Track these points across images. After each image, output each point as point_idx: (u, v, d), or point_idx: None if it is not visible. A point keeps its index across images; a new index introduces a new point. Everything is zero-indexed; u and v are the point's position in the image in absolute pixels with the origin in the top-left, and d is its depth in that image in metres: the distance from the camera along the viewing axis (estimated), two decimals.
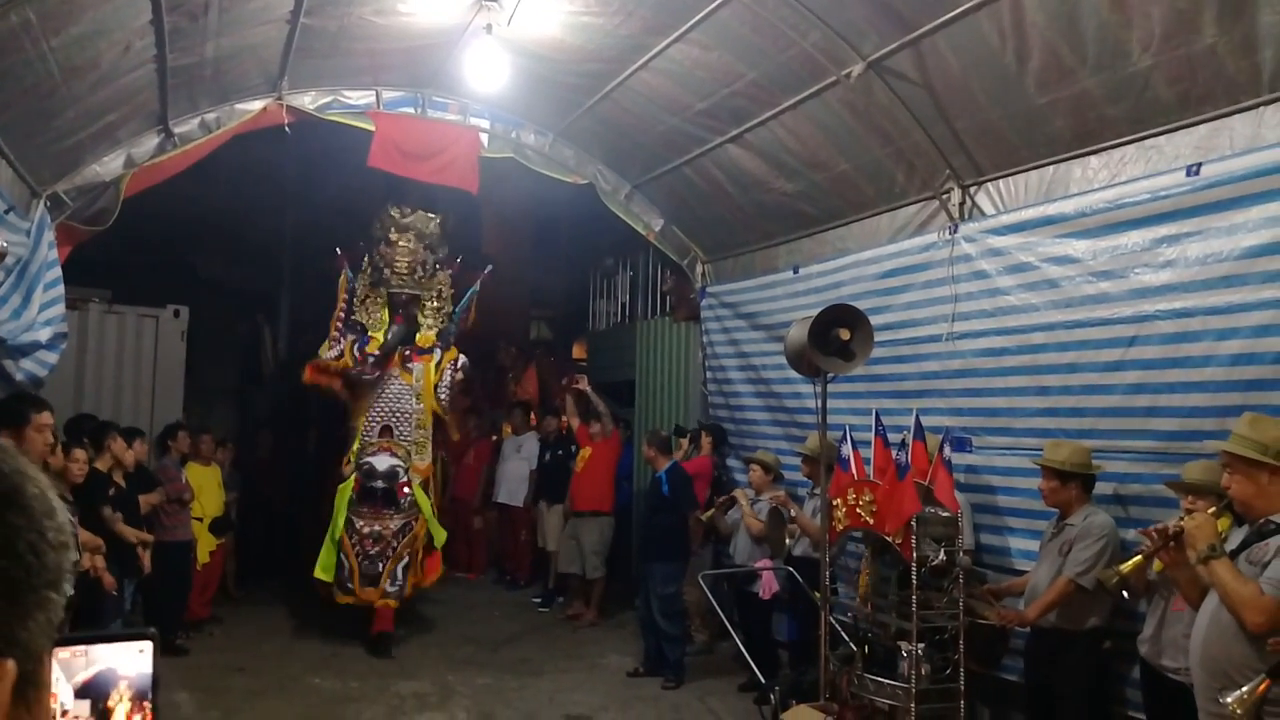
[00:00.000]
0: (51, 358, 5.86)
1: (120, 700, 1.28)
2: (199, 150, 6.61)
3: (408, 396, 7.80)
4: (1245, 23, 3.82)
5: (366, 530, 7.36)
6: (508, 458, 10.06)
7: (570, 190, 8.19)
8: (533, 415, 10.51)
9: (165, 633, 6.54)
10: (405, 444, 7.70)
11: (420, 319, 8.02)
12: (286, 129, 6.86)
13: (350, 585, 7.29)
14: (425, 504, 7.68)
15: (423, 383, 7.81)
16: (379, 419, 7.71)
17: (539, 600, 9.29)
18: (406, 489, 7.53)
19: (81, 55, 4.88)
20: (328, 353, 7.70)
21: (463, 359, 8.02)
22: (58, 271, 5.93)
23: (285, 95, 6.78)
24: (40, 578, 0.84)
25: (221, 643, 7.56)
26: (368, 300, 7.90)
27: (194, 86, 6.19)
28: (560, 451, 9.29)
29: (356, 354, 7.60)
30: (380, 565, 7.31)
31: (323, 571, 7.40)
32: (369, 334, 7.76)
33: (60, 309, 5.95)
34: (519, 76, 6.51)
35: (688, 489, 7.15)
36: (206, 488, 7.97)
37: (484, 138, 7.62)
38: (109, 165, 6.30)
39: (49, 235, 5.87)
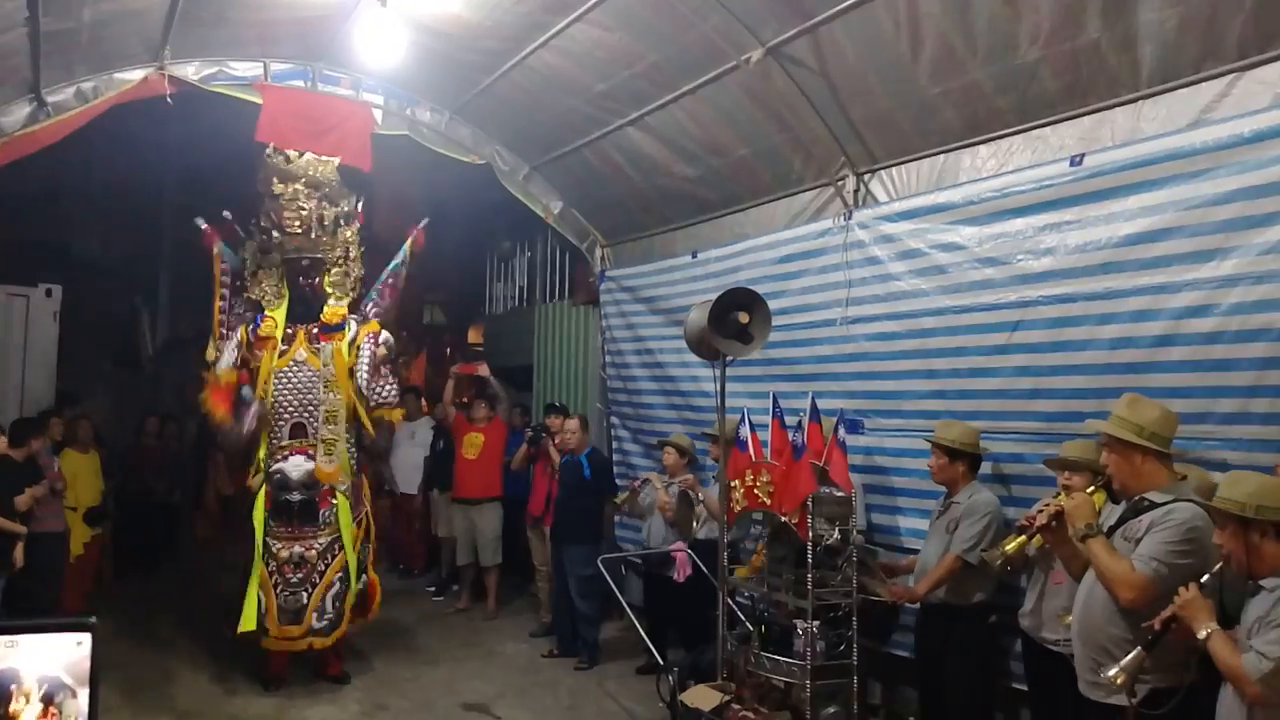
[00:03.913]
0: None
1: (26, 702, 1.13)
2: (74, 121, 6.25)
3: (316, 385, 6.37)
4: (1127, 19, 3.98)
5: (285, 554, 6.11)
6: (400, 444, 9.79)
7: (467, 170, 8.03)
8: (424, 402, 10.25)
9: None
10: (315, 443, 6.33)
11: (325, 289, 6.57)
12: (169, 100, 6.53)
13: (267, 625, 6.01)
14: (347, 522, 6.32)
15: (333, 367, 6.37)
16: (288, 415, 6.30)
17: (433, 590, 9.14)
18: (332, 499, 6.29)
19: None
20: (220, 361, 6.35)
21: (385, 334, 6.63)
22: None
23: (168, 65, 6.47)
24: None
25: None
26: (259, 273, 6.54)
27: (70, 53, 5.84)
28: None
29: (251, 337, 6.38)
30: (304, 595, 6.09)
31: (246, 622, 5.97)
32: (265, 313, 6.46)
33: None
34: (414, 52, 6.32)
35: (608, 473, 7.18)
36: (82, 476, 7.56)
37: (377, 114, 7.41)
38: None
39: None
